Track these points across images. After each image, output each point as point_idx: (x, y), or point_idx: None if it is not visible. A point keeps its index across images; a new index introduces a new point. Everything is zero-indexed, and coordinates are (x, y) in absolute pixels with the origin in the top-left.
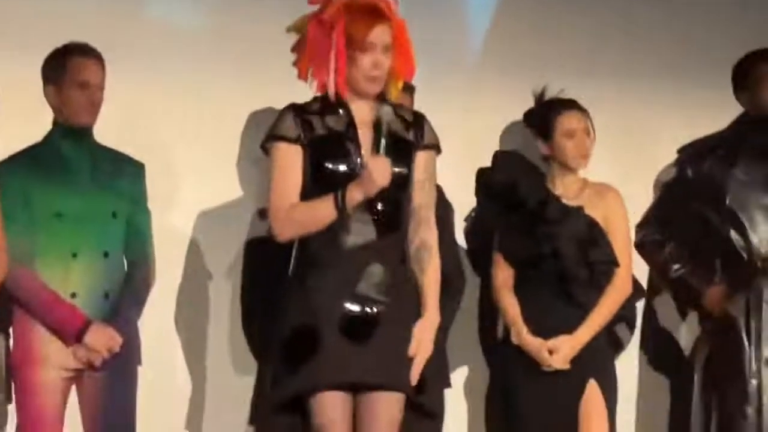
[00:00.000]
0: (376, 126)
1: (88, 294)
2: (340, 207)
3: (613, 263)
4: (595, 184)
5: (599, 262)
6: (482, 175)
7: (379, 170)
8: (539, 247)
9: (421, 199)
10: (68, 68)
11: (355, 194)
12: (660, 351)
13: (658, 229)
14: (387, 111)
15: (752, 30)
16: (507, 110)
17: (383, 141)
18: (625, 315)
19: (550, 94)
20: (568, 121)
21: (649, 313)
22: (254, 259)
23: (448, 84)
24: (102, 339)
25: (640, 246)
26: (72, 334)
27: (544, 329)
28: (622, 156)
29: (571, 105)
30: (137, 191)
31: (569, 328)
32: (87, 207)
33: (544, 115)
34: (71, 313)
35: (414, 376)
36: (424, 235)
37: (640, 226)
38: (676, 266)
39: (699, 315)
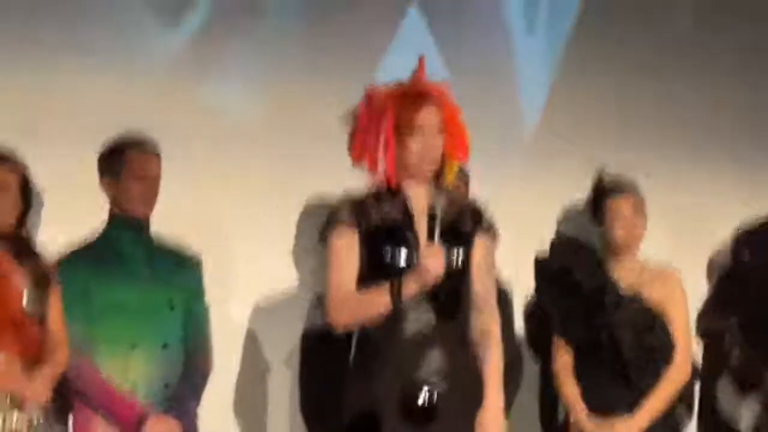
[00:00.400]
0: (431, 214)
1: (147, 385)
2: (396, 298)
3: (670, 348)
4: (654, 267)
5: (656, 349)
6: (540, 261)
7: (434, 260)
8: (597, 334)
9: (481, 285)
10: (126, 162)
11: (411, 285)
12: None
13: (717, 316)
14: (440, 199)
15: None
16: (563, 193)
17: (437, 231)
18: (683, 397)
19: (607, 176)
20: (617, 206)
21: (708, 394)
22: (312, 349)
23: (503, 169)
24: (161, 430)
25: (702, 336)
26: (131, 426)
27: (602, 410)
28: (679, 236)
29: (622, 189)
30: (194, 281)
31: (628, 409)
32: (145, 299)
33: (596, 200)
34: (131, 405)
35: None
36: (485, 321)
37: (700, 317)
38: (735, 353)
39: (759, 398)
